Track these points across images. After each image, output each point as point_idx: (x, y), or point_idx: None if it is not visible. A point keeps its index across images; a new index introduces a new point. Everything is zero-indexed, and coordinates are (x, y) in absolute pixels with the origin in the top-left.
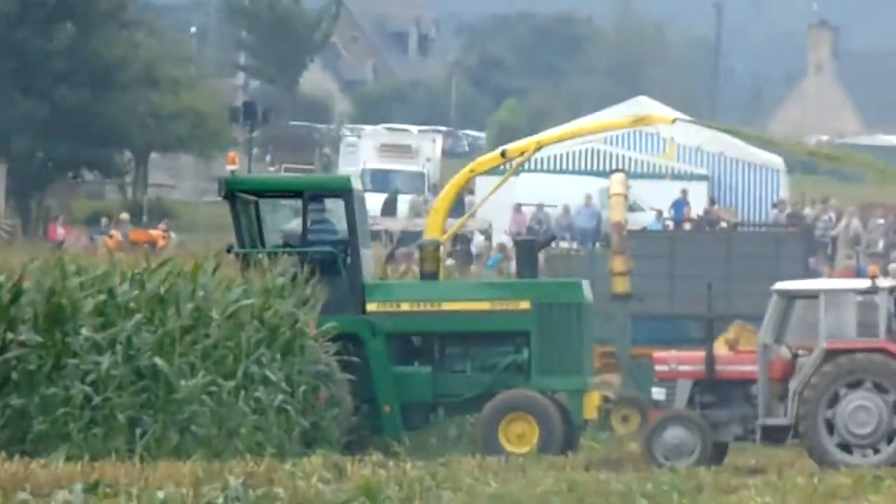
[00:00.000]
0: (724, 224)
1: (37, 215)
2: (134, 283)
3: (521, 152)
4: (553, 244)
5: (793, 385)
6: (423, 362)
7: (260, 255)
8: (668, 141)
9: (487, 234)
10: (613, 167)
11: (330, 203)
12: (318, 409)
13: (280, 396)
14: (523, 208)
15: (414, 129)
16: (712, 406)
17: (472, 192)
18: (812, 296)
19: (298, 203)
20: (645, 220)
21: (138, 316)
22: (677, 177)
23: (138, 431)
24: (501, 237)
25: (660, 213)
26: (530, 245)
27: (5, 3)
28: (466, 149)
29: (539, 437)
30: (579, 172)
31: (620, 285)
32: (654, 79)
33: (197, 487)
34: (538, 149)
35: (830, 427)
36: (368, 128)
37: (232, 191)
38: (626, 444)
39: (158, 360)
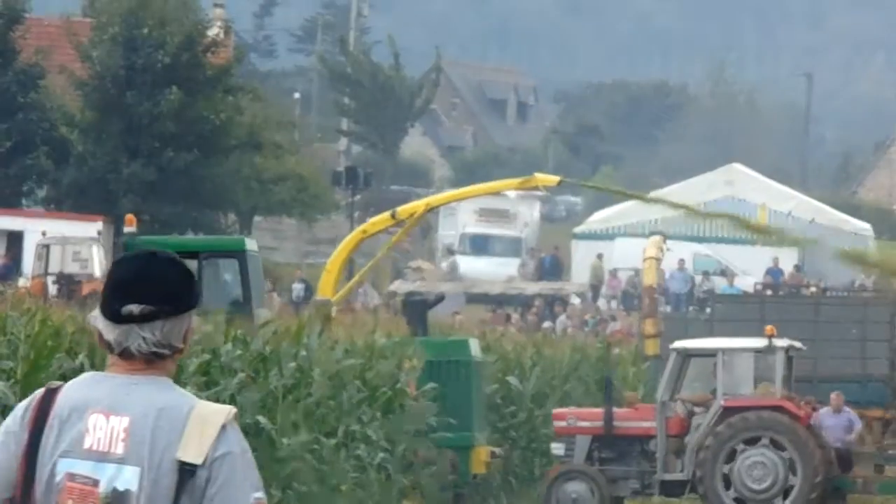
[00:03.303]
0: (812, 289)
1: None
2: (238, 343)
3: (412, 213)
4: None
5: (690, 441)
6: None
7: None
8: (760, 207)
9: (584, 297)
10: (707, 234)
11: (226, 263)
12: (416, 466)
13: (380, 454)
14: (619, 273)
15: (512, 194)
16: (610, 461)
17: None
18: (709, 354)
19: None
20: (742, 284)
21: (241, 375)
22: (768, 243)
23: None
24: (599, 301)
25: (731, 277)
26: (421, 304)
27: (115, 67)
28: (563, 214)
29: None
30: (674, 237)
31: (651, 347)
32: (746, 146)
33: None
34: (428, 210)
35: (727, 483)
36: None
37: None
38: None
39: (261, 419)
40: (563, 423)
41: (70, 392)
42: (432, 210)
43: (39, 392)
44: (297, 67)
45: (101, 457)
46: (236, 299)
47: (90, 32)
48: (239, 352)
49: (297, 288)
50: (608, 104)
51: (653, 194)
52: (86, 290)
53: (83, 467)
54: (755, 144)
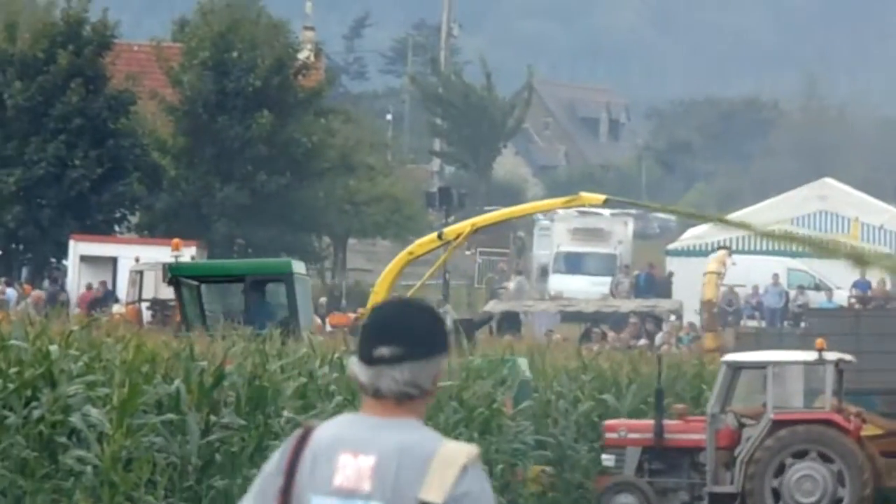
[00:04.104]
0: None
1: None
2: (333, 366)
3: (458, 234)
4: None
5: (740, 454)
6: None
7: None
8: (853, 221)
9: (678, 313)
10: (801, 248)
11: (273, 286)
12: (515, 486)
13: None
14: None
15: (605, 212)
16: (660, 473)
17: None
18: (759, 367)
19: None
20: (835, 298)
21: (338, 398)
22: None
23: None
24: (692, 317)
25: (829, 292)
26: (468, 324)
27: (205, 91)
28: (657, 230)
29: None
30: (767, 253)
31: (710, 363)
32: (839, 161)
33: None
34: (474, 230)
35: (776, 496)
36: (561, 211)
37: (175, 276)
38: None
39: None
40: (614, 435)
41: (323, 432)
42: (478, 230)
43: (296, 433)
44: (389, 89)
45: (349, 494)
46: (284, 321)
47: (180, 57)
48: (335, 374)
49: None
50: (700, 121)
51: (731, 216)
52: (180, 315)
53: None
54: (847, 159)
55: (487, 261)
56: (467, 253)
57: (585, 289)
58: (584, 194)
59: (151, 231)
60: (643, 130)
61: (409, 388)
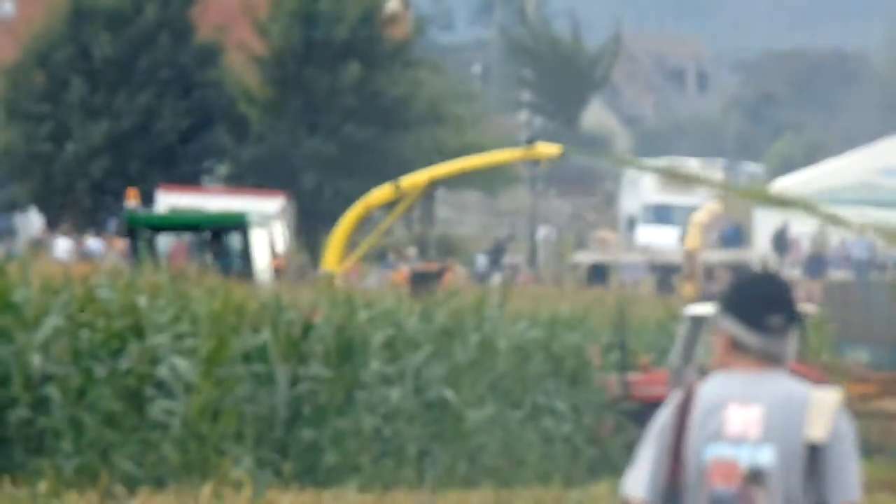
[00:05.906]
0: None
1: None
2: (421, 316)
3: (415, 185)
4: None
5: None
6: None
7: None
8: None
9: (766, 264)
10: (891, 199)
11: (230, 236)
12: (603, 438)
13: (567, 426)
14: (801, 240)
15: (693, 161)
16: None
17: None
18: None
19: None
20: None
21: (426, 349)
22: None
23: (428, 462)
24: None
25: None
26: (425, 276)
27: (294, 42)
28: (746, 182)
29: None
30: (856, 204)
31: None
32: None
33: None
34: (430, 182)
35: None
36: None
37: (132, 226)
38: None
39: (447, 392)
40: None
41: (708, 388)
42: (435, 183)
43: (680, 392)
44: (476, 40)
45: (740, 440)
46: (240, 269)
47: (268, 8)
48: (423, 325)
49: (481, 260)
50: (787, 72)
51: (764, 190)
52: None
53: (725, 450)
54: None
55: (576, 212)
56: (557, 202)
57: (673, 240)
58: (540, 146)
59: (239, 182)
60: (730, 82)
61: (790, 352)
